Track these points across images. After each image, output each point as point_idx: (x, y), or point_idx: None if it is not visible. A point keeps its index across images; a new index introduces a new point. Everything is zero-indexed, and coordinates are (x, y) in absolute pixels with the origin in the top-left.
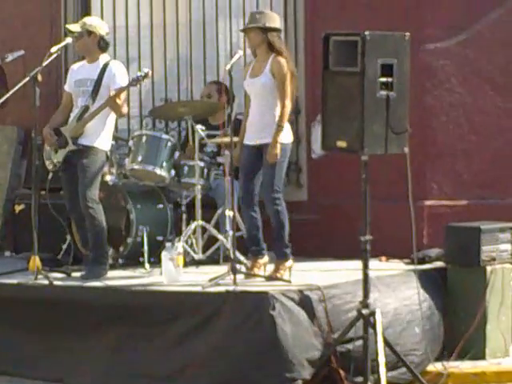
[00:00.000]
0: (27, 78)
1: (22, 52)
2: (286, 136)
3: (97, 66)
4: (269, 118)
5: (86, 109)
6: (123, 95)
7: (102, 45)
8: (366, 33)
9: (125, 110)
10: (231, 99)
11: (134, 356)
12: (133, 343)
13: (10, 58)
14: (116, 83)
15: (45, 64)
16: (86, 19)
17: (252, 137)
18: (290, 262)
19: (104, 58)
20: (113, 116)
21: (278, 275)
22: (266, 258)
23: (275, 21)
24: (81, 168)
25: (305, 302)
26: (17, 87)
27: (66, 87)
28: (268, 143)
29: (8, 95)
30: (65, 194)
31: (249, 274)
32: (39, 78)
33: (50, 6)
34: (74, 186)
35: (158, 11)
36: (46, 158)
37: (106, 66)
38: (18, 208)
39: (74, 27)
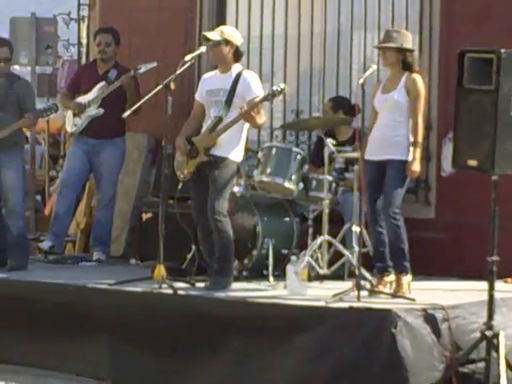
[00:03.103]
0: (160, 86)
1: (154, 63)
2: (407, 153)
3: (229, 75)
4: (398, 134)
5: (219, 120)
6: (260, 105)
7: (237, 55)
8: (502, 51)
9: (261, 120)
10: (362, 113)
11: (256, 368)
12: (255, 355)
13: (142, 69)
14: (252, 93)
15: (178, 72)
16: (224, 28)
17: (376, 152)
18: (408, 277)
19: (237, 67)
20: (247, 127)
21: (403, 292)
22: (392, 276)
23: (409, 40)
24: (212, 179)
25: (428, 321)
26: (149, 95)
27: (197, 97)
28: (393, 160)
29: (140, 103)
30: (193, 204)
31: (373, 291)
32: (172, 86)
33: (186, 14)
34: (203, 196)
35: (293, 21)
36: (177, 167)
37: (239, 75)
38: (145, 216)
39: (212, 35)
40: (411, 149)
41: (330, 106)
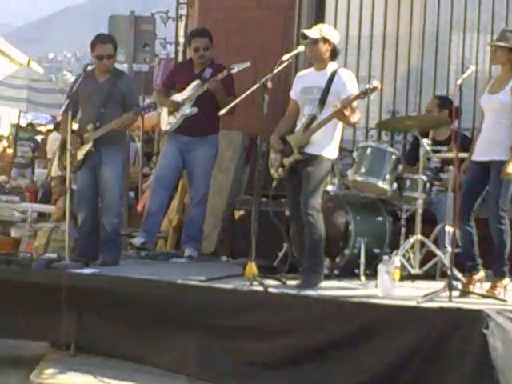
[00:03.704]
0: (257, 85)
1: (248, 63)
2: None
3: (324, 73)
4: (502, 135)
5: (313, 118)
6: (354, 103)
7: (334, 53)
8: None
9: (355, 119)
10: (459, 114)
11: (345, 367)
12: (344, 354)
13: (236, 69)
14: (346, 91)
15: (275, 71)
16: (323, 26)
17: (481, 153)
18: (506, 280)
19: (332, 66)
20: (341, 125)
21: (495, 293)
22: (481, 274)
23: None
24: (305, 176)
25: None
26: (246, 93)
27: (292, 95)
28: (498, 160)
29: (237, 101)
30: (288, 202)
31: (464, 292)
32: (269, 85)
33: (284, 14)
34: (297, 194)
35: (392, 22)
36: (271, 165)
37: (334, 73)
38: (237, 214)
39: (311, 33)
40: (509, 150)
41: (437, 103)
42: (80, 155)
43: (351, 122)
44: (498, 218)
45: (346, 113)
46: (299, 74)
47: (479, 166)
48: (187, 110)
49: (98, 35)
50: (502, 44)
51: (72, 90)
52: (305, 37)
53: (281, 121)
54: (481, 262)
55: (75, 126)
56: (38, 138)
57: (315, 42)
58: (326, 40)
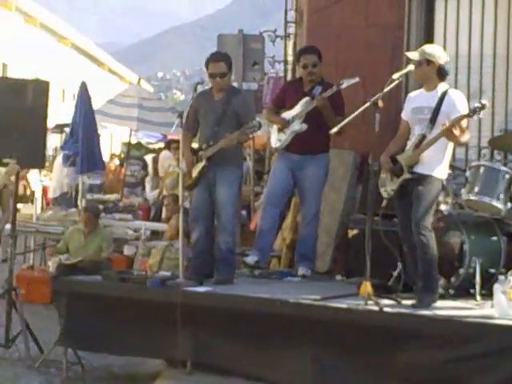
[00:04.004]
0: (368, 104)
1: (356, 79)
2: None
3: (435, 94)
4: None
5: (422, 137)
6: (464, 123)
7: (441, 74)
8: None
9: (464, 138)
10: None
11: None
12: (461, 375)
13: (345, 84)
14: (456, 111)
15: (386, 90)
16: (426, 47)
17: None
18: None
19: (442, 86)
20: (451, 145)
21: None
22: None
23: None
24: (416, 195)
25: None
26: (357, 112)
27: (403, 115)
28: None
29: (348, 119)
30: (399, 222)
31: None
32: (380, 103)
33: (393, 32)
34: (408, 213)
35: (502, 41)
36: (381, 185)
37: (444, 94)
38: (351, 233)
39: (413, 55)
40: None
41: None
42: (194, 173)
43: (460, 142)
44: None
45: (455, 132)
46: (410, 94)
47: None
48: (297, 126)
49: (212, 53)
50: None
51: (190, 108)
52: (409, 59)
53: (392, 141)
54: None
55: (195, 145)
56: (149, 156)
57: (419, 63)
58: (429, 61)
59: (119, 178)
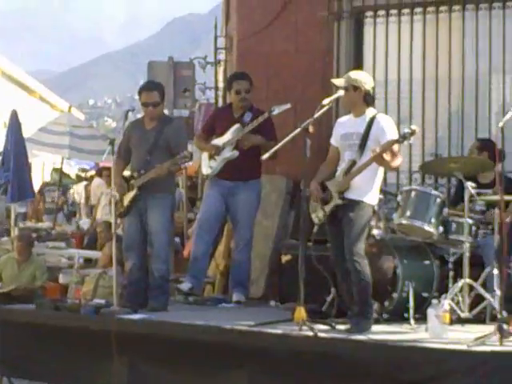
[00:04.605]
0: (298, 129)
1: (288, 105)
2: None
3: (363, 119)
4: None
5: (353, 163)
6: (395, 148)
7: (368, 99)
8: None
9: (395, 163)
10: (502, 157)
11: None
12: None
13: (276, 111)
14: (385, 136)
15: (316, 116)
16: (351, 73)
17: None
18: None
19: (371, 111)
20: (381, 170)
21: None
22: None
23: None
24: (347, 222)
25: None
26: (288, 138)
27: (332, 141)
28: None
29: (279, 146)
30: (331, 247)
31: None
32: (310, 129)
33: (323, 58)
34: (339, 239)
35: (431, 66)
36: (312, 211)
37: (372, 119)
38: (284, 258)
39: (339, 82)
40: None
41: (477, 145)
42: (126, 201)
43: (392, 167)
44: None
45: (386, 157)
46: (339, 120)
47: None
48: (228, 153)
49: (145, 82)
50: None
51: (124, 136)
52: (335, 85)
53: (321, 167)
54: None
55: (127, 173)
56: (82, 184)
57: (345, 90)
58: (355, 87)
59: (39, 206)
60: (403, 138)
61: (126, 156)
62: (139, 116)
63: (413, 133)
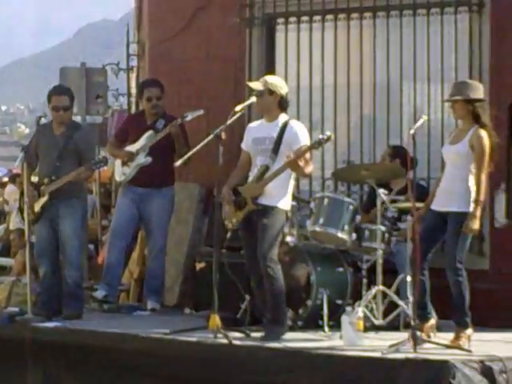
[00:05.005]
0: (211, 136)
1: (201, 111)
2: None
3: (276, 124)
4: (459, 187)
5: (266, 168)
6: (307, 154)
7: (283, 104)
8: None
9: (308, 170)
10: (414, 164)
11: None
12: None
13: (189, 116)
14: (298, 142)
15: (229, 122)
16: (268, 78)
17: (440, 203)
18: (469, 331)
19: (283, 117)
20: (294, 176)
21: (459, 344)
22: (432, 321)
23: (479, 90)
24: (261, 228)
25: (485, 373)
26: (200, 145)
27: (244, 146)
28: (456, 212)
29: (192, 152)
30: (245, 254)
31: (429, 342)
32: (223, 136)
33: (235, 65)
34: (253, 245)
35: (342, 72)
36: (225, 217)
37: (285, 124)
38: (198, 265)
39: (256, 85)
40: (472, 205)
41: (389, 152)
42: (37, 208)
43: (305, 173)
44: (455, 270)
45: (301, 163)
46: (250, 125)
47: (437, 215)
48: (141, 159)
49: (55, 87)
50: (455, 98)
51: (30, 142)
52: (251, 89)
53: (232, 172)
54: (432, 309)
55: (35, 179)
56: None
57: (261, 93)
58: (271, 91)
59: None
60: (319, 143)
61: (33, 162)
62: None
63: (328, 138)
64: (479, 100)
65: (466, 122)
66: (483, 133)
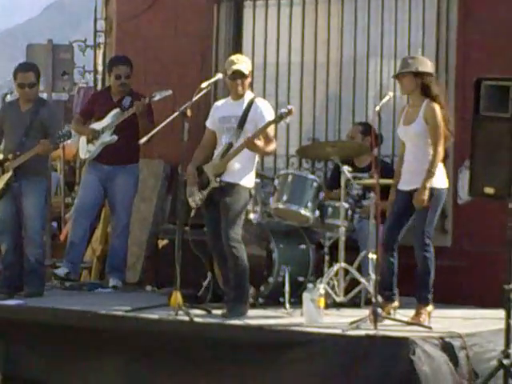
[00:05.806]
0: (176, 113)
1: (169, 92)
2: (440, 181)
3: (242, 102)
4: (422, 164)
5: (229, 146)
6: (271, 132)
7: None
8: None
9: (269, 148)
10: (379, 141)
11: None
12: (270, 382)
13: (157, 96)
14: (263, 119)
15: (194, 99)
16: (245, 58)
17: (406, 182)
18: (430, 307)
19: (248, 95)
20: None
21: (420, 320)
22: (396, 303)
23: (427, 65)
24: (224, 206)
25: (446, 349)
26: (166, 121)
27: (209, 124)
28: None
29: (157, 129)
30: (207, 232)
31: (390, 319)
32: (188, 113)
33: (202, 41)
34: (216, 223)
35: (310, 49)
36: (189, 195)
37: (251, 102)
38: (161, 243)
39: (245, 68)
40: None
41: (360, 130)
42: (1, 184)
43: (265, 152)
44: (423, 246)
45: (259, 142)
46: (217, 103)
47: (405, 195)
48: (107, 137)
49: (20, 64)
50: (403, 71)
51: None
52: (241, 73)
53: (196, 150)
54: (397, 291)
55: (0, 156)
56: None
57: (245, 76)
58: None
59: None
60: (280, 117)
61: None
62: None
63: (289, 112)
64: (428, 74)
65: (416, 98)
66: (435, 105)
